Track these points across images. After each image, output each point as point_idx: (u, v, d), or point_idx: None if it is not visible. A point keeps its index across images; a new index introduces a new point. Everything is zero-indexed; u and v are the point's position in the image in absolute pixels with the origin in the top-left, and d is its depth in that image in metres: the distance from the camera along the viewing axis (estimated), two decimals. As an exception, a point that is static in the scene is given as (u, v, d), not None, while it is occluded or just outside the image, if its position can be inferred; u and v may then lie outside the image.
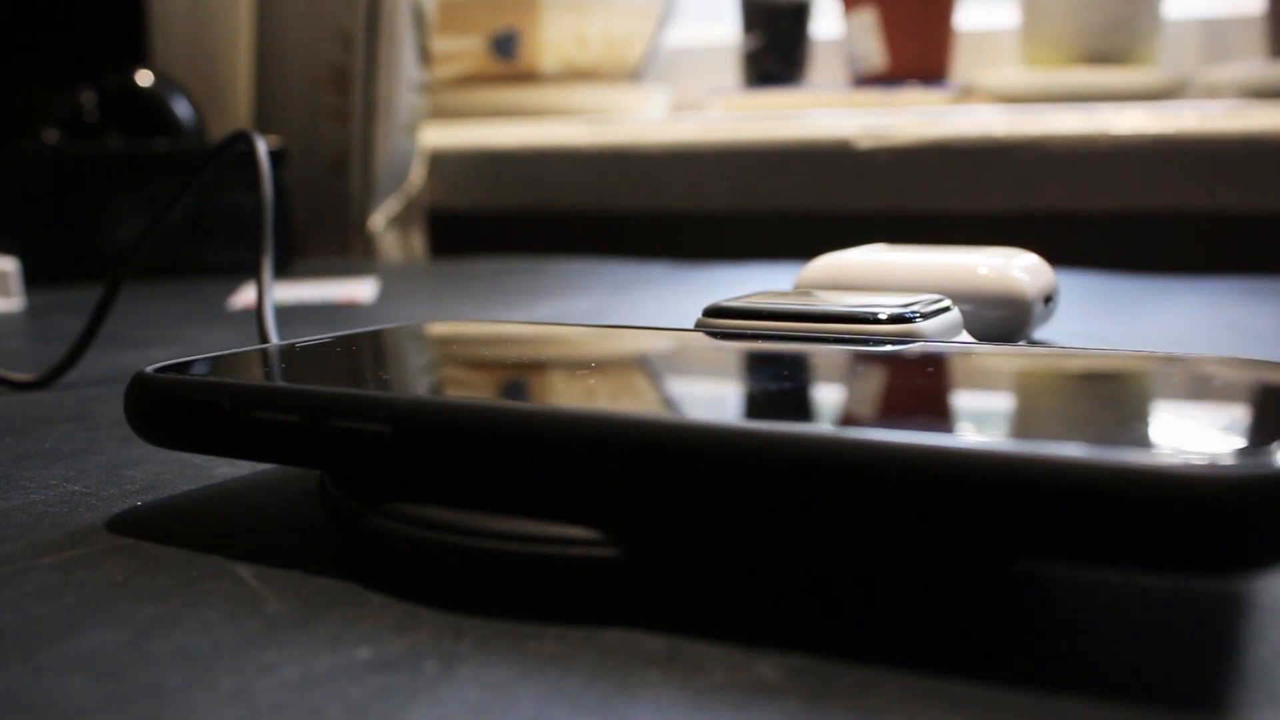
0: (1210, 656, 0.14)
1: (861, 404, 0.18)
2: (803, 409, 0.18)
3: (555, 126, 0.82)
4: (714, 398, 0.19)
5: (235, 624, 0.15)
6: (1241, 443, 0.14)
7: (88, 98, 0.71)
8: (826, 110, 0.79)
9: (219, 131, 0.80)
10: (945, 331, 0.25)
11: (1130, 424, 0.16)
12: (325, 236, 0.81)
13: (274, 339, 0.31)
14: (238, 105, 0.82)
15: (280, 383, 0.19)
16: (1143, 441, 0.14)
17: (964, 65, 0.84)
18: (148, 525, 0.20)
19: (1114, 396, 0.19)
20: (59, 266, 0.64)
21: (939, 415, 0.17)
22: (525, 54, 0.86)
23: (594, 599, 0.15)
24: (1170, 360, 0.20)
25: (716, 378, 0.21)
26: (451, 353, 0.25)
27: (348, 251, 0.81)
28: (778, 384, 0.19)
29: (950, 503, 0.13)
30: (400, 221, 0.82)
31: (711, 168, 0.77)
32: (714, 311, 0.26)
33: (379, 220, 0.80)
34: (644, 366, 0.22)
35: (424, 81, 0.81)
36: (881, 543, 0.14)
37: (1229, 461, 0.12)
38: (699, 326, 0.26)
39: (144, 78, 0.72)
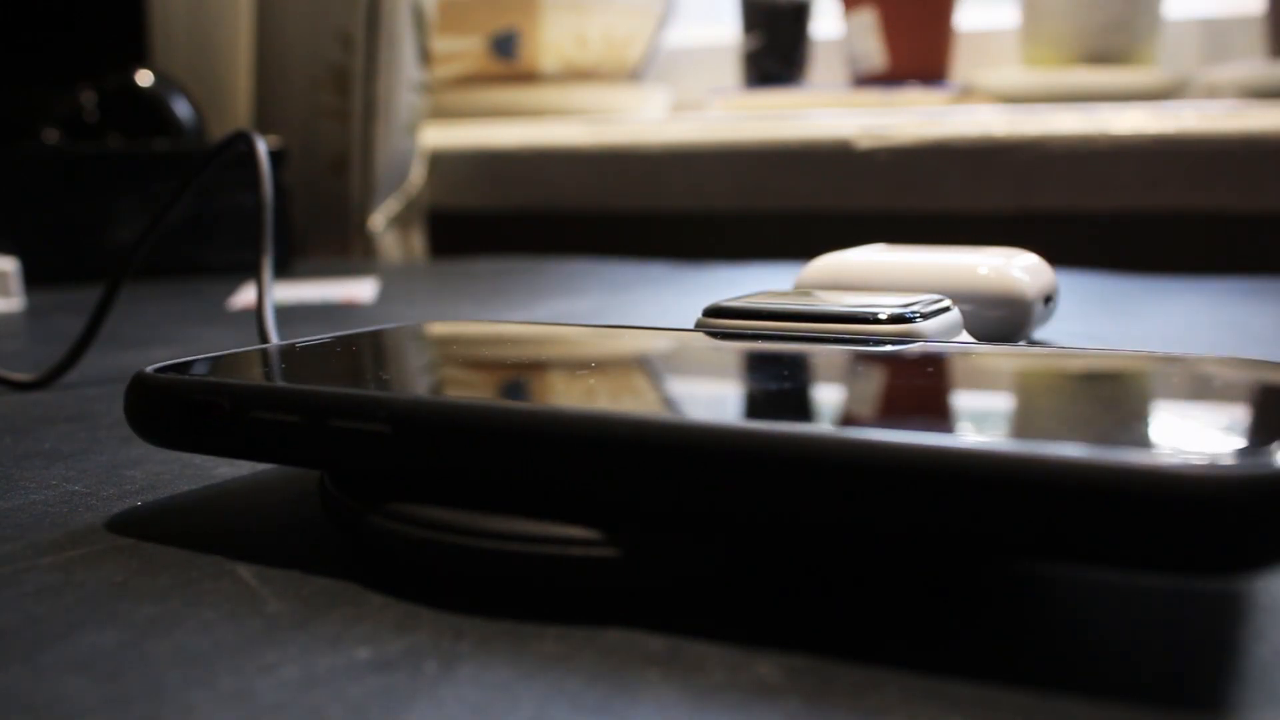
0: (1210, 656, 0.14)
1: (861, 404, 0.18)
2: (803, 409, 0.18)
3: (555, 126, 0.82)
4: (714, 398, 0.19)
5: (235, 624, 0.15)
6: (1241, 443, 0.14)
7: (88, 98, 0.71)
8: (826, 110, 0.79)
9: (219, 131, 0.80)
10: (945, 331, 0.25)
11: (1130, 424, 0.16)
12: (325, 236, 0.81)
13: (274, 339, 0.31)
14: (238, 105, 0.82)
15: (280, 383, 0.19)
16: (1143, 441, 0.14)
17: (964, 65, 0.84)
18: (148, 525, 0.20)
19: (1114, 396, 0.19)
20: (59, 266, 0.64)
21: (939, 415, 0.17)
22: (525, 54, 0.86)
23: (594, 599, 0.15)
24: (1170, 360, 0.20)
25: (716, 378, 0.21)
26: (451, 353, 0.25)
27: (348, 251, 0.81)
28: (778, 384, 0.19)
29: (950, 503, 0.13)
30: (400, 221, 0.82)
31: (711, 168, 0.77)
32: (714, 311, 0.26)
33: (379, 220, 0.80)
34: (644, 366, 0.22)
35: (424, 81, 0.81)
36: (881, 543, 0.14)
37: (1229, 461, 0.12)
38: (699, 326, 0.26)
39: (144, 78, 0.72)
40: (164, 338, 0.43)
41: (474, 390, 0.20)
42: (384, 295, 0.57)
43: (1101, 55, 0.75)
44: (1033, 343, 0.34)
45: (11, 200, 0.64)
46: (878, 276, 0.33)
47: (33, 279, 0.59)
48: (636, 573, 0.15)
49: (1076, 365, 0.20)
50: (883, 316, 0.24)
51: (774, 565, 0.16)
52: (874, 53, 0.80)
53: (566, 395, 0.19)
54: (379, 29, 0.77)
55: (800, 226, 0.76)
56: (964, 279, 0.32)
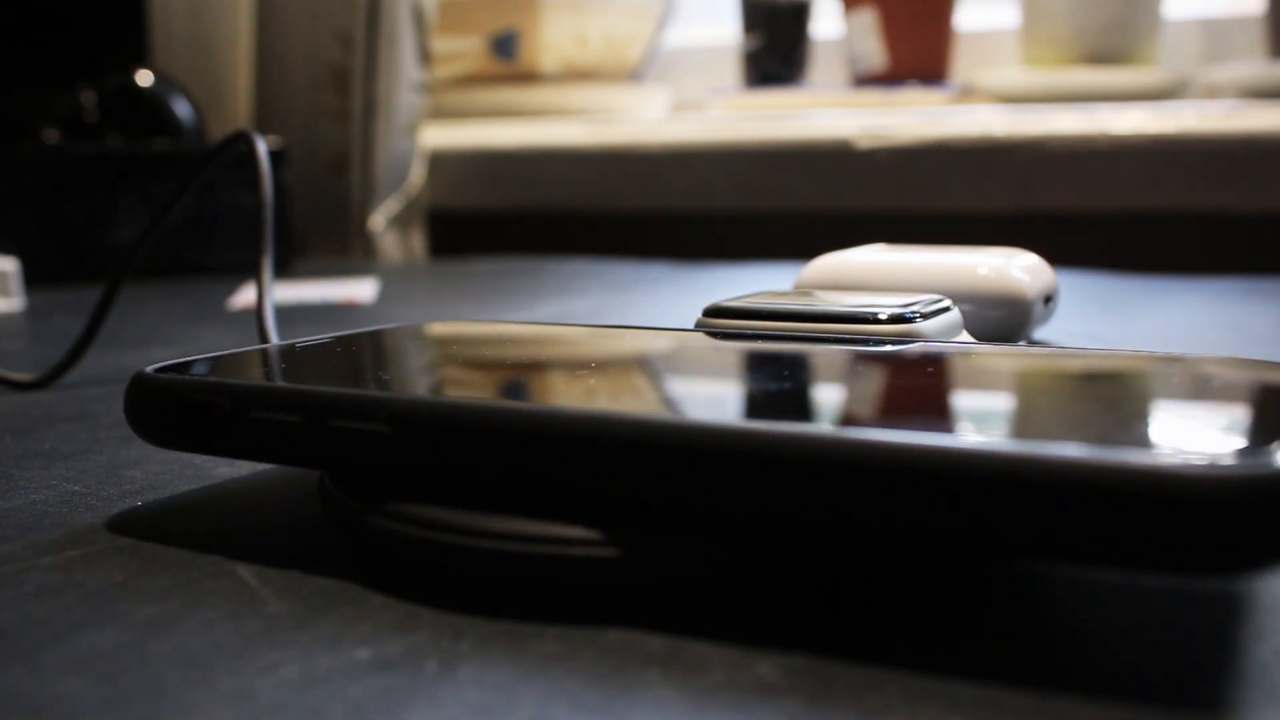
0: (1210, 656, 0.14)
1: (861, 404, 0.18)
2: (803, 409, 0.18)
3: (555, 126, 0.82)
4: (714, 398, 0.19)
5: (235, 624, 0.15)
6: (1241, 443, 0.14)
7: (88, 98, 0.71)
8: (826, 110, 0.79)
9: (219, 131, 0.80)
10: (945, 331, 0.25)
11: (1130, 424, 0.16)
12: (325, 236, 0.81)
13: (274, 339, 0.31)
14: (238, 105, 0.82)
15: (280, 383, 0.19)
16: (1143, 441, 0.14)
17: (964, 65, 0.84)
18: (148, 525, 0.20)
19: (1114, 396, 0.19)
20: (59, 266, 0.64)
21: (939, 415, 0.17)
22: (525, 54, 0.86)
23: (594, 599, 0.15)
24: (1170, 360, 0.20)
25: (716, 378, 0.21)
26: (451, 353, 0.25)
27: (348, 251, 0.81)
28: (778, 384, 0.19)
29: (950, 503, 0.13)
30: (400, 221, 0.82)
31: (711, 168, 0.77)
32: (714, 311, 0.26)
33: (379, 220, 0.80)
34: (644, 366, 0.22)
35: (424, 81, 0.81)
36: (881, 543, 0.14)
37: (1229, 461, 0.12)
38: (699, 326, 0.26)
39: (144, 78, 0.72)
40: (164, 338, 0.43)
41: (474, 390, 0.20)
42: (384, 295, 0.57)
43: (1101, 55, 0.75)
44: (1033, 343, 0.34)
45: (11, 200, 0.64)
46: (878, 276, 0.33)
47: (33, 279, 0.59)
48: (636, 573, 0.15)
49: (1076, 365, 0.20)
50: (883, 316, 0.24)
51: (774, 565, 0.16)
52: (874, 53, 0.80)
53: (566, 395, 0.19)
54: (379, 29, 0.77)
55: (800, 226, 0.76)
56: (964, 279, 0.32)
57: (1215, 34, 0.80)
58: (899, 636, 0.14)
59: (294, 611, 0.15)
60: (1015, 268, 0.33)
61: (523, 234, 0.84)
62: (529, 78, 0.87)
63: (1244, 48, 0.78)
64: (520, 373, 0.22)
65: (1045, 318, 0.34)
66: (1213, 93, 0.75)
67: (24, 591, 0.16)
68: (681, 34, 0.94)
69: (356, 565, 0.17)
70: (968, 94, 0.81)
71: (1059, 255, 0.47)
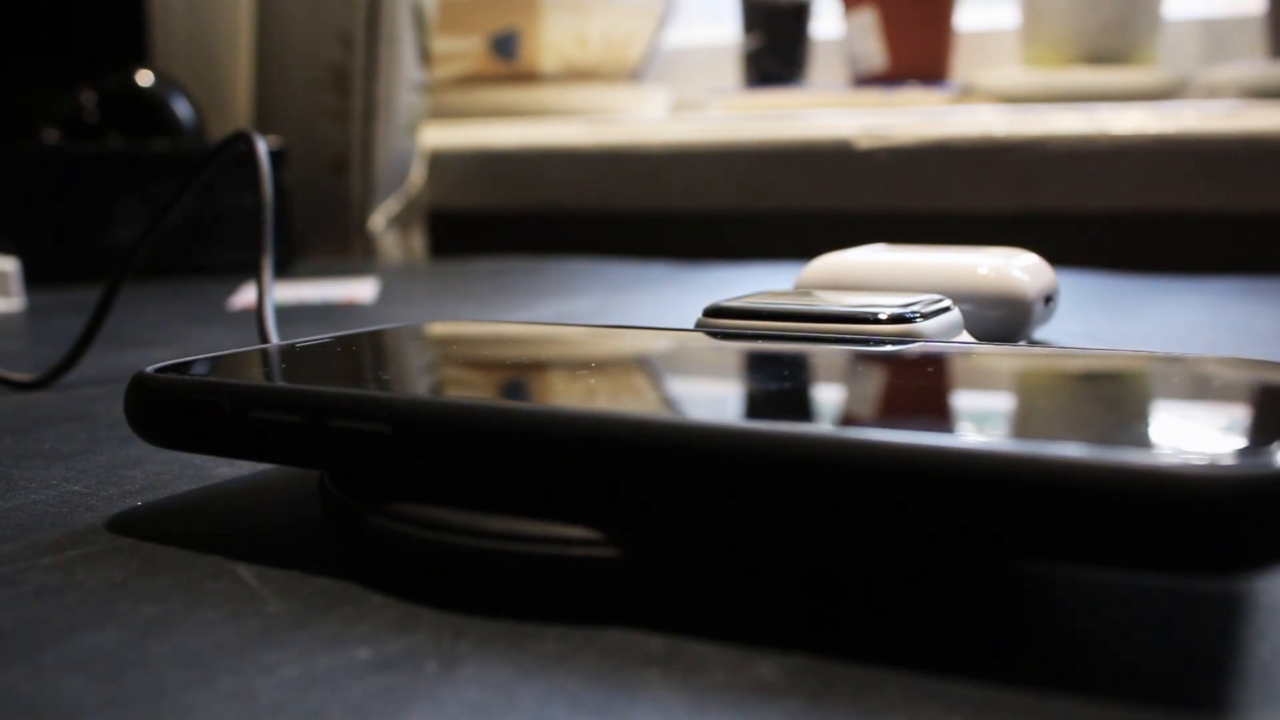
0: (1210, 656, 0.14)
1: (862, 404, 0.18)
2: (803, 409, 0.18)
3: (555, 126, 0.82)
4: (714, 398, 0.19)
5: (235, 624, 0.15)
6: (1241, 443, 0.14)
7: (88, 98, 0.71)
8: (826, 110, 0.79)
9: (219, 131, 0.80)
10: (945, 331, 0.25)
11: (1130, 424, 0.16)
12: (325, 236, 0.81)
13: (274, 339, 0.31)
14: (238, 105, 0.82)
15: (280, 383, 0.19)
16: (1143, 441, 0.14)
17: (964, 65, 0.84)
18: (148, 525, 0.20)
19: (1114, 396, 0.19)
20: (59, 266, 0.64)
21: (939, 415, 0.17)
22: (525, 54, 0.86)
23: (594, 599, 0.15)
24: (1170, 360, 0.20)
25: (717, 378, 0.21)
26: (451, 353, 0.25)
27: (348, 251, 0.81)
28: (778, 384, 0.19)
29: (950, 503, 0.13)
30: (400, 221, 0.82)
31: (712, 168, 0.77)
32: (714, 311, 0.26)
33: (379, 220, 0.80)
34: (644, 366, 0.22)
35: (424, 81, 0.81)
36: (881, 543, 0.14)
37: (1229, 461, 0.12)
38: (699, 326, 0.26)
39: (144, 78, 0.72)
40: (164, 338, 0.43)
41: (474, 390, 0.20)
42: (384, 295, 0.57)
43: (1101, 55, 0.75)
44: (1033, 343, 0.34)
45: (11, 200, 0.64)
46: (878, 276, 0.33)
47: (33, 279, 0.59)
48: (636, 573, 0.15)
49: (1076, 365, 0.20)
50: (883, 316, 0.24)
51: (774, 565, 0.16)
52: (874, 53, 0.80)
53: (567, 395, 0.19)
54: (379, 29, 0.77)
55: (800, 226, 0.76)
56: (964, 279, 0.32)
57: (1215, 34, 0.80)
58: (899, 636, 0.14)
59: (294, 611, 0.15)
60: (1015, 268, 0.33)
61: (523, 234, 0.84)
62: (529, 78, 0.87)
63: (1244, 48, 0.78)
64: (520, 373, 0.22)
65: (1045, 318, 0.34)
66: (1213, 93, 0.75)
67: (24, 591, 0.16)
68: (681, 34, 0.94)
69: (356, 565, 0.17)
70: (968, 94, 0.81)
71: (1059, 255, 0.47)
